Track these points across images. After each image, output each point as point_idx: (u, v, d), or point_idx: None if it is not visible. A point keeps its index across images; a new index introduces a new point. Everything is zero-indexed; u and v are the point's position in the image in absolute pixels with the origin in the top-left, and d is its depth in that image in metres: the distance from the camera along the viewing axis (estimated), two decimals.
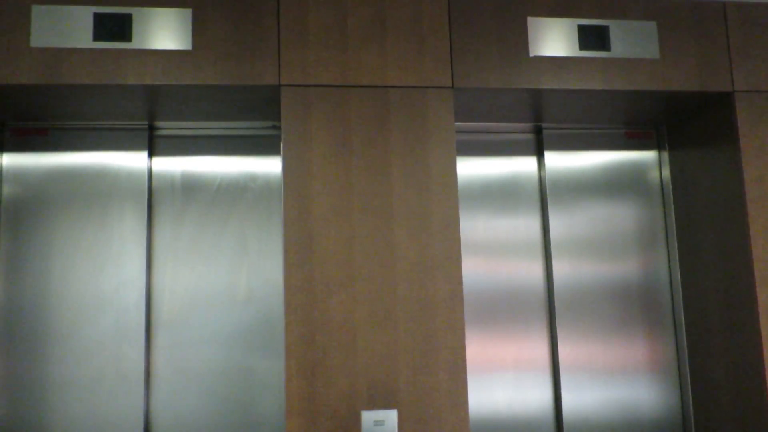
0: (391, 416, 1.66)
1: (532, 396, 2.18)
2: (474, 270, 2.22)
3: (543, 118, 2.20)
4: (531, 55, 1.89)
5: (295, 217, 1.75)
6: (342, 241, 1.76)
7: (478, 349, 2.18)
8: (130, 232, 2.07)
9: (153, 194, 2.12)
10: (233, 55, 1.78)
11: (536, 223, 2.28)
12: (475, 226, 2.24)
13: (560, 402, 2.17)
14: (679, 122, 2.26)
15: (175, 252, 2.10)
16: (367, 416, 1.66)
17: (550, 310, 2.23)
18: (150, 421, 2.02)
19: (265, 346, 2.08)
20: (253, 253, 2.13)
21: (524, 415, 2.17)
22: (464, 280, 2.21)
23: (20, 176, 2.06)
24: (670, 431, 2.22)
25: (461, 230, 2.23)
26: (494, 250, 2.24)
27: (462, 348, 1.75)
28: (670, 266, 2.29)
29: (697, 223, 2.15)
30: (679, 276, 2.25)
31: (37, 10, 1.73)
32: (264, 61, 1.79)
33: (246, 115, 2.05)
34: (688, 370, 2.21)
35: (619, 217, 2.30)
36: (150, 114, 2.02)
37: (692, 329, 2.19)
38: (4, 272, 2.00)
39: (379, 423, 1.65)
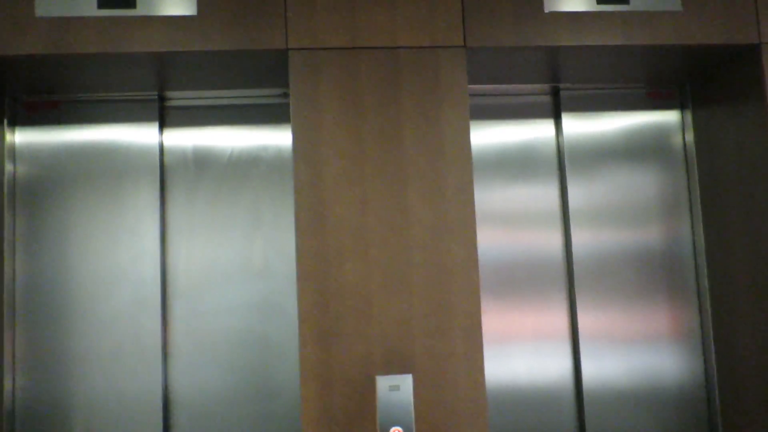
0: (406, 381, 1.65)
1: (551, 364, 2.16)
2: (492, 239, 2.18)
3: (560, 78, 2.14)
4: (546, 10, 1.83)
5: (307, 183, 1.73)
6: (354, 207, 1.73)
7: (497, 318, 2.16)
8: (144, 204, 2.07)
9: (165, 166, 2.12)
10: (239, 20, 1.75)
11: (554, 189, 2.23)
12: (491, 194, 2.20)
13: (580, 370, 2.14)
14: (703, 79, 2.17)
15: (189, 223, 2.10)
16: (383, 381, 1.65)
17: (570, 279, 2.19)
18: (168, 390, 2.04)
19: (281, 316, 2.08)
20: (267, 223, 2.12)
21: (544, 383, 2.15)
22: (482, 249, 2.17)
23: (33, 152, 2.06)
24: (693, 399, 2.18)
25: (477, 199, 2.19)
26: (512, 218, 2.20)
27: (477, 313, 1.72)
28: (693, 231, 2.23)
29: (722, 186, 2.08)
30: (703, 241, 2.19)
31: None
32: (271, 25, 1.75)
33: (255, 82, 2.02)
34: (712, 336, 2.16)
35: (640, 181, 2.23)
36: (159, 84, 2.00)
37: (717, 295, 2.14)
38: (21, 249, 2.02)
39: (394, 388, 1.64)
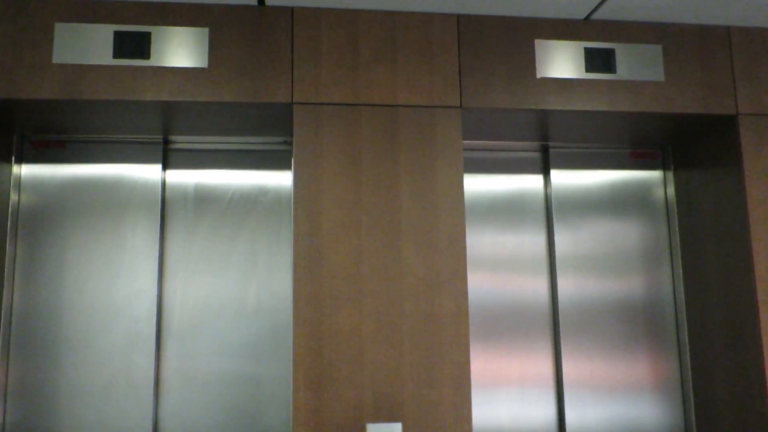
0: (396, 429, 1.69)
1: (536, 412, 2.20)
2: (480, 285, 2.24)
3: (549, 138, 2.24)
4: (538, 76, 1.93)
5: (305, 231, 1.79)
6: (350, 255, 1.79)
7: (483, 364, 2.20)
8: (143, 243, 2.11)
9: (166, 206, 2.17)
10: (248, 74, 1.83)
11: (542, 239, 2.30)
12: (481, 242, 2.27)
13: (564, 418, 2.18)
14: (684, 143, 2.29)
15: (186, 263, 2.14)
16: (373, 429, 1.68)
17: (555, 326, 2.25)
18: (158, 428, 2.05)
19: (273, 358, 2.11)
20: (262, 265, 2.16)
21: (528, 431, 2.18)
22: (470, 295, 2.23)
23: (38, 186, 2.11)
24: None
25: (468, 246, 2.26)
26: (500, 266, 2.27)
27: (467, 363, 1.77)
28: (674, 284, 2.31)
29: (700, 243, 2.17)
30: (682, 294, 2.27)
31: (59, 27, 1.79)
32: (277, 80, 1.84)
33: (259, 131, 2.10)
34: (691, 387, 2.22)
35: (623, 235, 2.32)
36: (165, 128, 2.07)
37: (695, 347, 2.21)
38: (21, 280, 2.05)
39: None
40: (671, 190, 2.34)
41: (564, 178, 2.32)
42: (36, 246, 2.07)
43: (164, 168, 2.19)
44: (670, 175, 2.36)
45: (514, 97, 1.91)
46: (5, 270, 2.00)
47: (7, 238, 2.02)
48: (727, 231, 2.03)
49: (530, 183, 2.34)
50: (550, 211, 2.31)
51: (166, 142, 2.19)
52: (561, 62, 1.94)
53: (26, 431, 1.98)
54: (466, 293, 1.81)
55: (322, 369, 1.73)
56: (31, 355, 2.02)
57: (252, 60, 1.84)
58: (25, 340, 2.02)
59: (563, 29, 1.97)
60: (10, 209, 2.04)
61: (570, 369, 2.21)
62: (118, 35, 1.81)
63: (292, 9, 1.88)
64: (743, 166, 1.96)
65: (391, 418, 1.72)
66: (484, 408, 2.17)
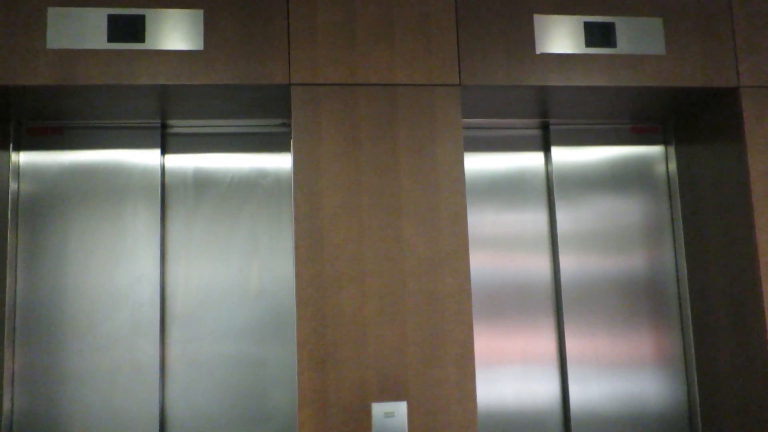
0: (400, 408, 1.70)
1: (539, 389, 2.21)
2: (482, 264, 2.24)
3: (550, 115, 2.22)
4: (537, 52, 1.91)
5: (306, 213, 1.79)
6: (351, 236, 1.79)
7: (486, 342, 2.21)
8: (144, 228, 2.11)
9: (166, 191, 2.16)
10: (244, 55, 1.81)
11: (543, 217, 2.30)
12: (482, 221, 2.27)
13: (567, 394, 2.20)
14: (686, 117, 2.27)
15: (188, 247, 2.14)
16: (378, 408, 1.69)
17: (558, 304, 2.25)
18: (165, 412, 2.07)
19: (277, 340, 2.12)
20: (264, 248, 2.17)
21: (532, 408, 2.20)
22: (472, 274, 2.24)
23: (37, 174, 2.10)
24: (677, 423, 2.24)
25: (469, 225, 2.26)
26: (502, 244, 2.27)
27: (470, 341, 1.78)
28: (676, 260, 2.31)
29: (703, 217, 2.17)
30: (685, 269, 2.27)
31: (52, 12, 1.77)
32: (274, 61, 1.82)
33: (256, 113, 2.08)
34: (694, 362, 2.23)
35: (625, 211, 2.32)
36: (162, 113, 2.06)
37: (698, 322, 2.21)
38: (23, 268, 2.05)
39: (389, 415, 1.69)
40: (673, 165, 2.33)
41: (565, 155, 2.31)
42: (37, 234, 2.07)
43: (163, 153, 2.18)
44: (672, 150, 2.34)
45: (514, 73, 1.90)
46: (7, 259, 2.01)
47: (8, 226, 2.02)
48: (729, 204, 2.02)
49: (531, 160, 2.32)
50: (551, 189, 2.30)
51: (164, 126, 2.18)
52: (560, 37, 1.92)
53: (34, 417, 2.00)
54: (468, 272, 1.81)
55: (326, 350, 1.74)
56: (36, 342, 2.03)
57: (248, 41, 1.82)
58: (30, 328, 2.03)
59: (562, 3, 1.94)
60: (9, 198, 2.04)
61: (573, 346, 2.22)
62: (112, 19, 1.79)
63: None
64: (745, 139, 1.95)
65: (395, 398, 1.73)
66: (488, 386, 2.19)
